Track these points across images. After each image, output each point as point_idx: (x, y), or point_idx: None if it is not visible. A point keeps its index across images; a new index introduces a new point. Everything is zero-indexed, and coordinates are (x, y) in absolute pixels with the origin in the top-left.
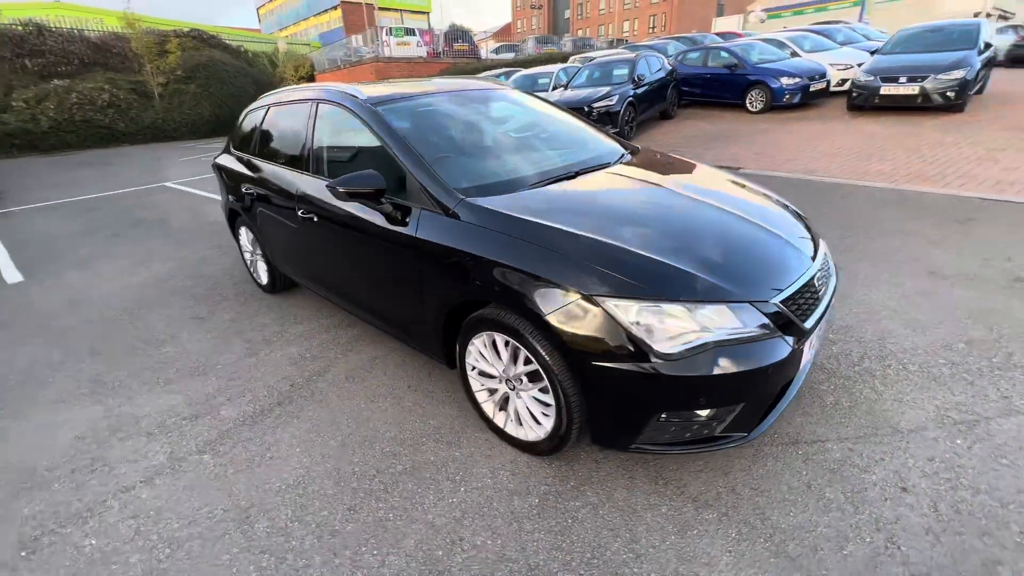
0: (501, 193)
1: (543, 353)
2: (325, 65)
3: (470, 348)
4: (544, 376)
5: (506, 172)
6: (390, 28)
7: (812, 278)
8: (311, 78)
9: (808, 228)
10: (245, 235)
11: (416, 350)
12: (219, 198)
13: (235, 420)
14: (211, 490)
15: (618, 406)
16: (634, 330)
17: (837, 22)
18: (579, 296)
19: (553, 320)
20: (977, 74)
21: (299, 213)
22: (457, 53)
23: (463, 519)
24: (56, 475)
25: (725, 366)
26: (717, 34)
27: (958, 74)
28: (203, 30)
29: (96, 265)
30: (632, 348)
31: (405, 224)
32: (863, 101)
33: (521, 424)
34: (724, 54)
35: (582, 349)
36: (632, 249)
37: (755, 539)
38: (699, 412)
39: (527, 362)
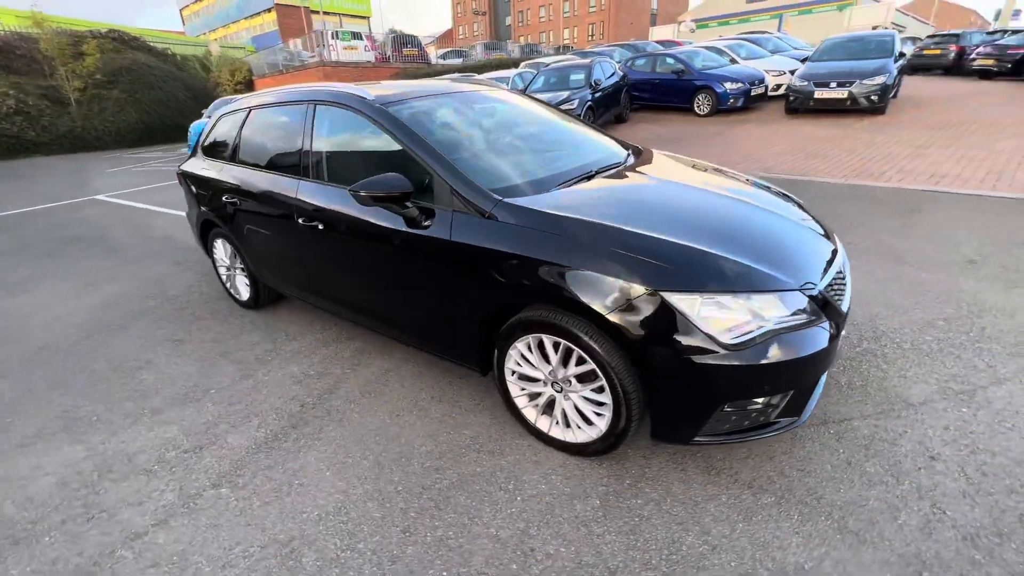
0: (530, 194)
1: (601, 352)
2: (265, 70)
3: (510, 352)
4: (601, 375)
5: (529, 173)
6: (336, 32)
7: (841, 263)
8: (249, 84)
9: (815, 218)
10: (222, 248)
11: (441, 358)
12: (168, 211)
13: (247, 448)
14: (239, 526)
15: (683, 400)
16: (699, 323)
17: (762, 32)
18: (644, 292)
19: (616, 318)
20: (894, 80)
21: (299, 221)
22: (407, 58)
23: (528, 529)
24: (44, 527)
25: (782, 353)
26: (658, 42)
27: (880, 80)
28: (124, 31)
29: (34, 289)
30: (698, 341)
31: (425, 228)
32: (799, 104)
33: (569, 426)
34: (671, 60)
35: (648, 345)
36: (684, 243)
37: (816, 518)
38: (757, 400)
39: (579, 362)
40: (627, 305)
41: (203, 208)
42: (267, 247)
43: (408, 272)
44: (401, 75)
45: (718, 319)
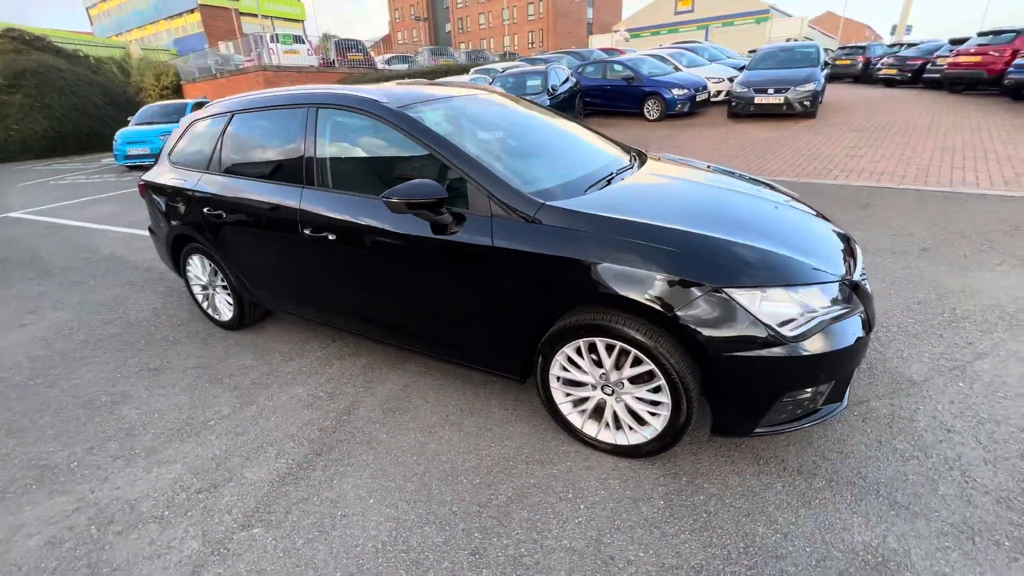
0: (564, 197)
1: (663, 351)
2: (195, 74)
3: (556, 358)
4: (660, 375)
5: (557, 176)
6: (276, 35)
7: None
8: (177, 88)
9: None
10: (199, 265)
11: (470, 368)
12: (107, 227)
13: (270, 481)
14: (287, 569)
15: (747, 393)
16: (762, 317)
17: (691, 42)
18: (709, 289)
19: (680, 316)
20: (823, 87)
21: (304, 232)
22: (352, 63)
23: (601, 537)
24: None
25: (832, 342)
26: (602, 50)
27: (811, 86)
28: (24, 30)
29: None
30: (762, 334)
31: (453, 234)
32: (741, 109)
33: (620, 428)
34: (619, 67)
35: (713, 342)
36: (735, 240)
37: (867, 497)
38: (808, 389)
39: (635, 363)
40: (691, 304)
41: (175, 222)
42: (259, 261)
43: (441, 281)
44: (347, 80)
45: (776, 312)
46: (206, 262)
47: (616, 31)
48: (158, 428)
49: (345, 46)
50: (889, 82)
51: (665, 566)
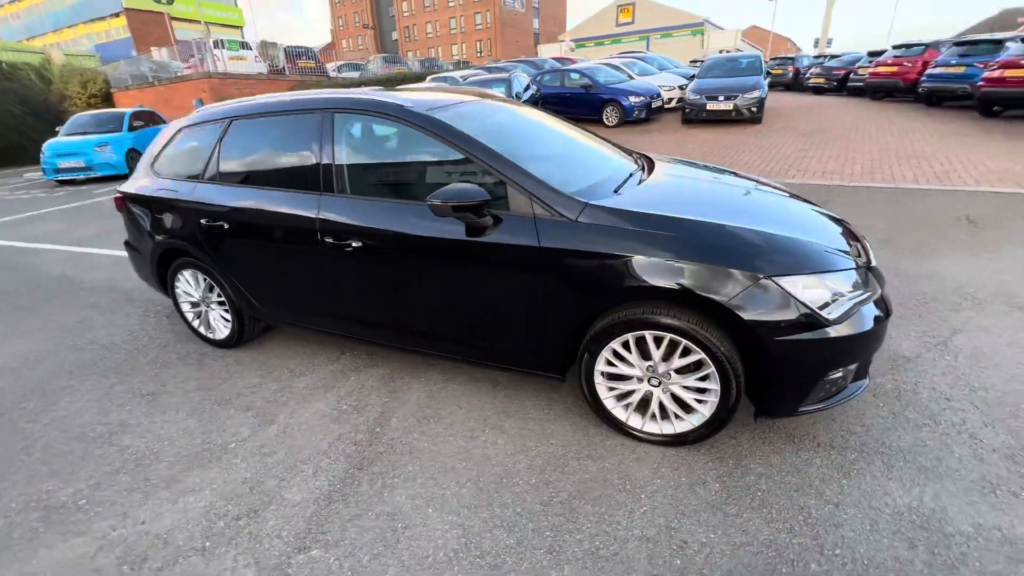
0: (599, 198)
1: (714, 340)
2: (128, 81)
3: (603, 354)
4: (710, 363)
5: (584, 177)
6: (221, 40)
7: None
8: (107, 97)
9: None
10: (191, 281)
11: (506, 370)
12: (51, 247)
13: (315, 500)
14: None
15: (794, 375)
16: (807, 302)
17: (637, 52)
18: (759, 278)
19: (733, 305)
20: (766, 94)
21: (325, 240)
22: (304, 71)
23: (670, 523)
24: None
25: (863, 323)
26: (554, 59)
27: (757, 93)
28: None
29: None
30: (807, 319)
31: (484, 234)
32: (694, 115)
33: (667, 418)
34: (577, 75)
35: (763, 328)
36: (772, 232)
37: (896, 464)
38: (842, 368)
39: (684, 353)
40: (743, 293)
41: (161, 236)
42: (267, 274)
43: (481, 284)
44: (298, 87)
45: (815, 298)
46: (200, 277)
47: (562, 41)
48: (172, 456)
49: (296, 53)
50: (818, 90)
51: (737, 544)
